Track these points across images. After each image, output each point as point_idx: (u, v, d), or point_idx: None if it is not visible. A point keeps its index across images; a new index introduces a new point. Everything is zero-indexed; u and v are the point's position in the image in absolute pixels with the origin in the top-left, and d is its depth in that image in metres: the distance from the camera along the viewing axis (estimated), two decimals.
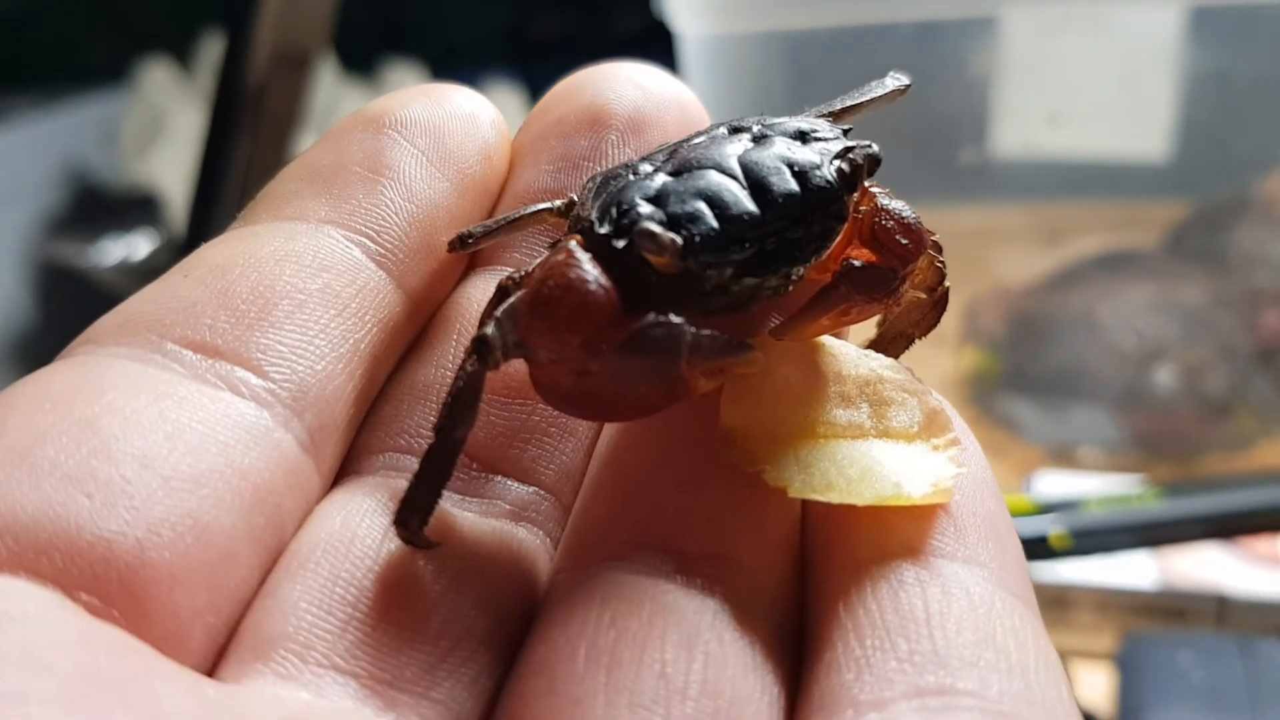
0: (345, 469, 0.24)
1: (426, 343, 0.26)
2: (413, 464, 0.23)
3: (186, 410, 0.21)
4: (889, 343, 0.28)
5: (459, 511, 0.24)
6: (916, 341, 0.28)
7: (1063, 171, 0.77)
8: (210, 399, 0.22)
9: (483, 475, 0.24)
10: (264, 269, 0.24)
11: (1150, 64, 0.72)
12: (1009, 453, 0.75)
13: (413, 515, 0.22)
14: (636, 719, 0.19)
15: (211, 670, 0.20)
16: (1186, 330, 0.75)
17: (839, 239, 0.24)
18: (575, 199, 0.26)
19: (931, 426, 0.23)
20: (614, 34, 1.54)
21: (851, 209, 0.24)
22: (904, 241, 0.24)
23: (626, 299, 0.22)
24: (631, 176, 0.24)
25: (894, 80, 0.29)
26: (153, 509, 0.20)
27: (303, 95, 0.71)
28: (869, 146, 0.24)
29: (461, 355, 0.24)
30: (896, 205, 0.25)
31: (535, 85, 1.40)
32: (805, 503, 0.23)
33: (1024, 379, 0.78)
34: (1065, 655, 0.60)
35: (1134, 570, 0.61)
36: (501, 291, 0.25)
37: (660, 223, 0.22)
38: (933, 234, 0.25)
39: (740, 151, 0.24)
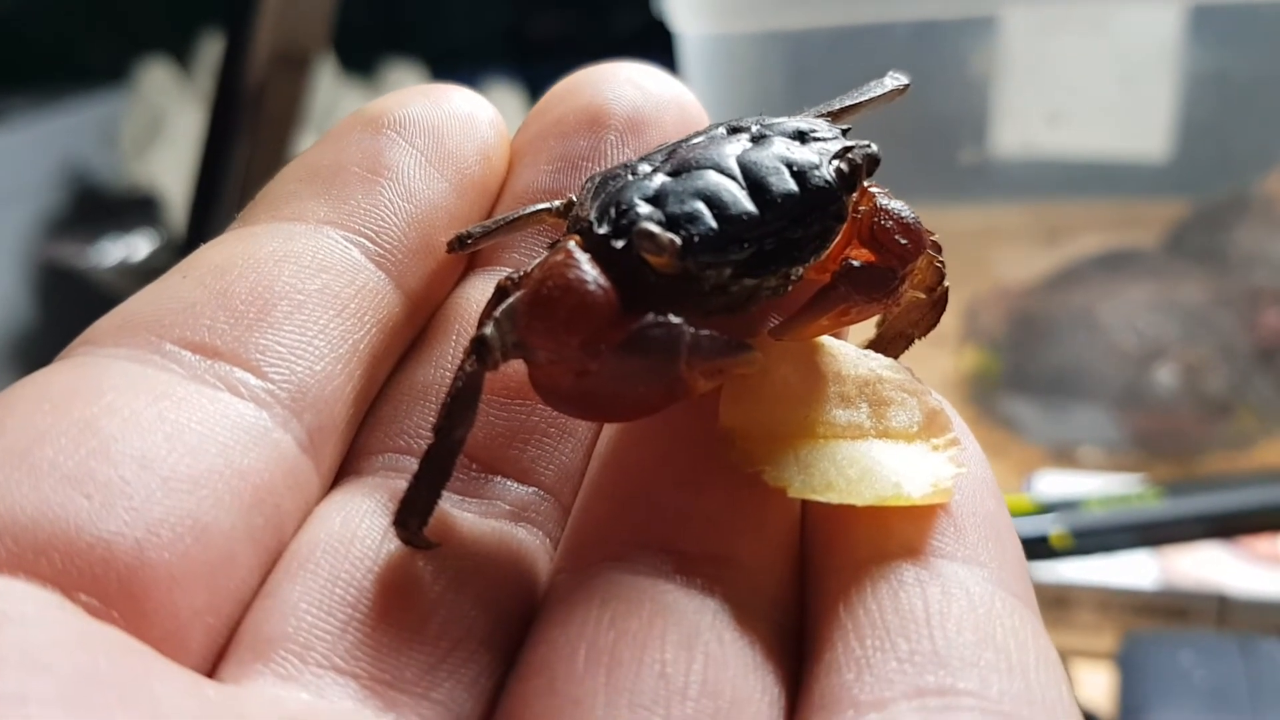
0: (345, 469, 0.24)
1: (425, 343, 0.26)
2: (412, 464, 0.23)
3: (186, 411, 0.21)
4: (888, 343, 0.28)
5: (458, 512, 0.24)
6: (916, 341, 0.28)
7: (1062, 171, 0.77)
8: (209, 400, 0.22)
9: (482, 476, 0.24)
10: (263, 270, 0.24)
11: (1150, 64, 0.72)
12: (1009, 453, 0.75)
13: (412, 516, 0.22)
14: (636, 719, 0.19)
15: (211, 671, 0.20)
16: (1186, 330, 0.75)
17: (838, 239, 0.24)
18: (574, 199, 0.26)
19: (931, 426, 0.23)
20: (613, 34, 1.54)
21: (850, 209, 0.24)
22: (903, 241, 0.24)
23: (625, 299, 0.22)
24: (630, 177, 0.24)
25: (893, 80, 0.29)
26: (152, 510, 0.20)
27: (302, 95, 0.71)
28: (868, 146, 0.24)
29: (460, 356, 0.24)
30: (896, 205, 0.25)
31: (535, 85, 1.40)
32: (805, 503, 0.23)
33: (1024, 379, 0.78)
34: (1066, 655, 0.60)
35: (1135, 570, 0.61)
36: (500, 292, 0.25)
37: (659, 223, 0.22)
38: (932, 234, 0.25)
39: (739, 151, 0.24)
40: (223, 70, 0.68)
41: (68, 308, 1.30)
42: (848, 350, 0.25)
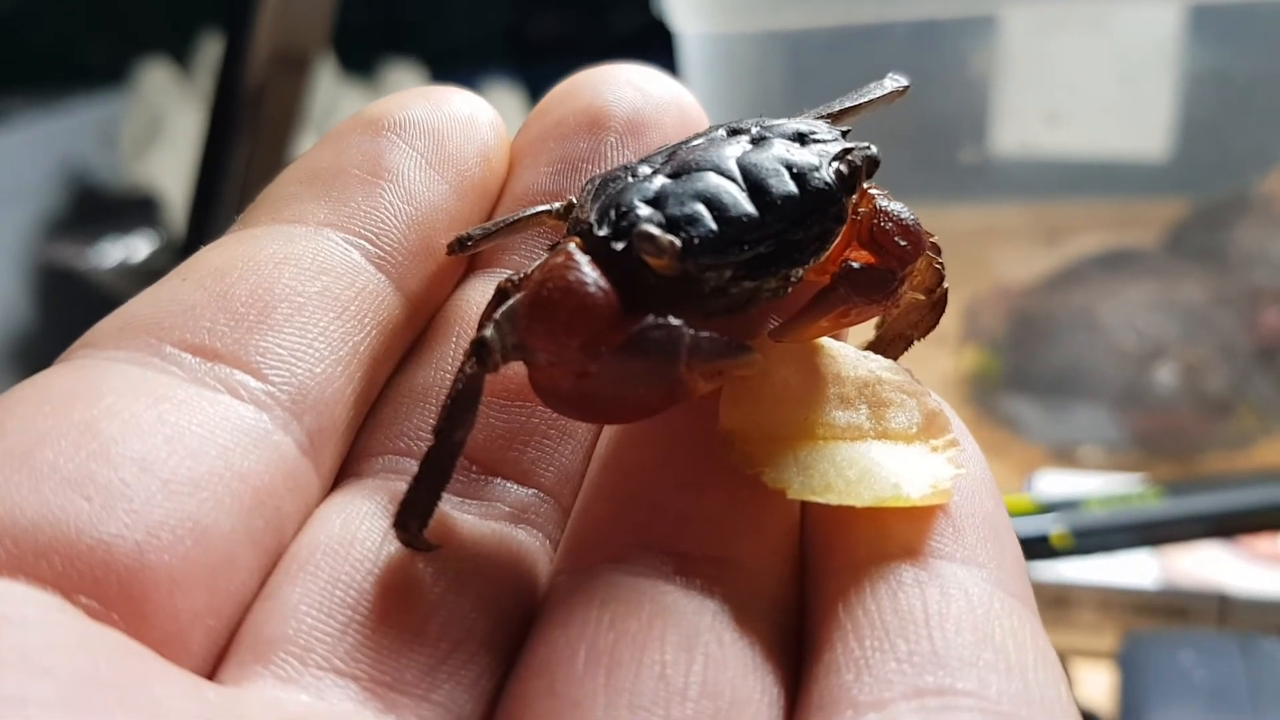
0: (345, 471, 0.24)
1: (426, 345, 0.26)
2: (412, 466, 0.23)
3: (186, 413, 0.21)
4: (888, 344, 0.28)
5: (458, 514, 0.24)
6: (915, 343, 0.28)
7: (1062, 171, 0.77)
8: (209, 402, 0.22)
9: (482, 477, 0.24)
10: (263, 272, 0.24)
11: (1149, 63, 0.72)
12: (1009, 453, 0.75)
13: (412, 518, 0.22)
14: None
15: (211, 673, 0.20)
16: (1186, 329, 0.75)
17: (838, 241, 0.24)
18: (574, 201, 0.26)
19: (930, 428, 0.23)
20: (613, 34, 1.54)
21: (850, 211, 0.24)
22: (902, 243, 0.24)
23: (625, 301, 0.22)
24: (630, 178, 0.24)
25: (892, 81, 0.29)
26: (152, 512, 0.20)
27: (302, 96, 0.71)
28: (867, 148, 0.24)
29: (460, 358, 0.24)
30: (895, 207, 0.25)
31: (535, 86, 1.40)
32: (804, 504, 0.23)
33: (1024, 379, 0.78)
34: (1066, 655, 0.60)
35: (1135, 569, 0.61)
36: (500, 294, 0.25)
37: (659, 225, 0.22)
38: (931, 235, 0.25)
39: (739, 153, 0.24)
40: (222, 71, 0.68)
41: (67, 309, 1.30)
42: (847, 352, 0.25)
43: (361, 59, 1.45)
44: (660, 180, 0.23)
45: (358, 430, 0.25)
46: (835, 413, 0.23)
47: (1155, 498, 0.56)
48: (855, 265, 0.24)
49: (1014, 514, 0.49)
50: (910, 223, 0.24)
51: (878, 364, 0.24)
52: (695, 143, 0.25)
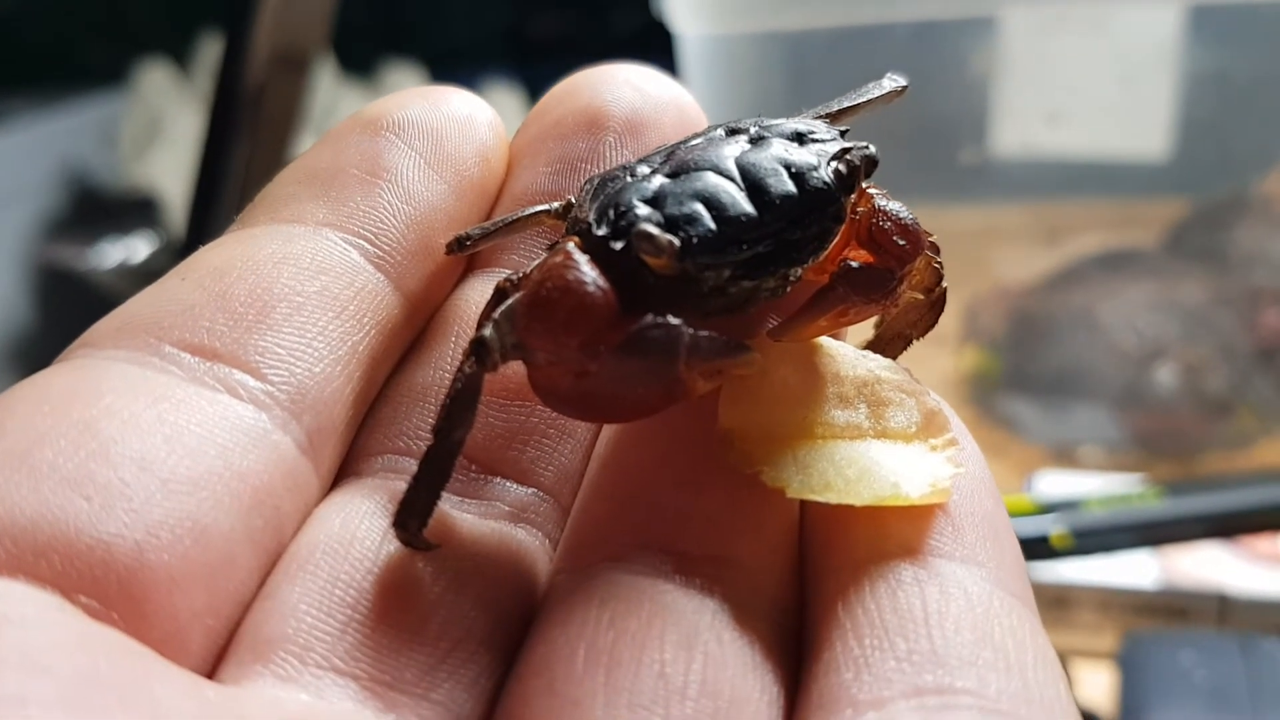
0: (344, 471, 0.24)
1: (425, 345, 0.26)
2: (411, 466, 0.23)
3: (185, 413, 0.21)
4: (887, 343, 0.28)
5: (458, 513, 0.24)
6: (914, 342, 0.28)
7: (1062, 171, 0.77)
8: (208, 401, 0.22)
9: (481, 477, 0.24)
10: (262, 272, 0.24)
11: (1149, 63, 0.72)
12: (1009, 453, 0.75)
13: (412, 517, 0.22)
14: (636, 719, 0.19)
15: (211, 672, 0.20)
16: (1186, 329, 0.75)
17: (836, 240, 0.24)
18: (573, 201, 0.26)
19: (929, 427, 0.23)
20: (613, 34, 1.54)
21: (849, 210, 0.24)
22: (901, 242, 0.24)
23: (624, 300, 0.22)
24: (629, 178, 0.24)
25: (891, 82, 0.29)
26: (151, 512, 0.20)
27: (301, 96, 0.71)
28: (866, 148, 0.24)
29: (460, 357, 0.24)
30: (894, 206, 0.25)
31: (534, 86, 1.40)
32: (804, 503, 0.23)
33: (1024, 379, 0.78)
34: (1066, 655, 0.60)
35: (1135, 569, 0.61)
36: (499, 293, 0.25)
37: (658, 224, 0.22)
38: (930, 235, 0.25)
39: (738, 153, 0.24)
40: (222, 71, 0.68)
41: (67, 309, 1.30)
42: (846, 351, 0.25)
43: (361, 59, 1.45)
44: (659, 180, 0.23)
45: (357, 430, 0.25)
46: (834, 412, 0.23)
47: (1155, 498, 0.56)
48: (854, 265, 0.24)
49: (1014, 514, 0.49)
50: (909, 222, 0.24)
51: (877, 363, 0.25)
52: (694, 142, 0.25)
